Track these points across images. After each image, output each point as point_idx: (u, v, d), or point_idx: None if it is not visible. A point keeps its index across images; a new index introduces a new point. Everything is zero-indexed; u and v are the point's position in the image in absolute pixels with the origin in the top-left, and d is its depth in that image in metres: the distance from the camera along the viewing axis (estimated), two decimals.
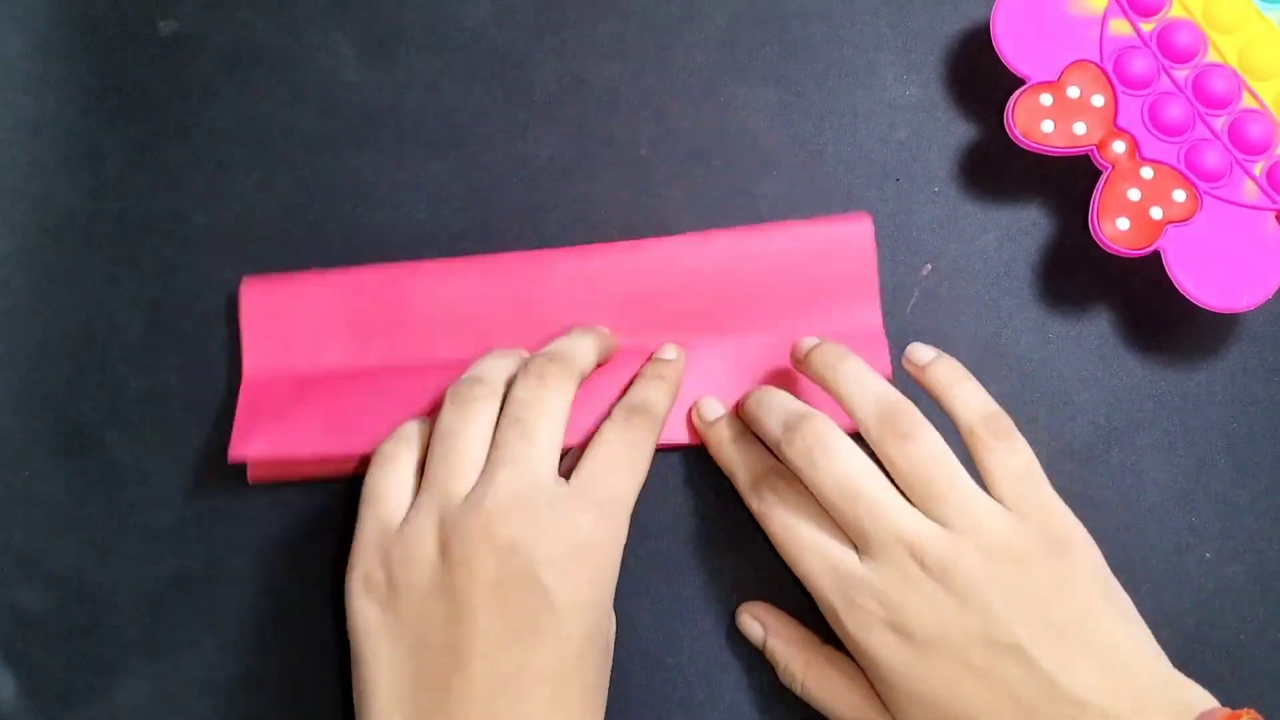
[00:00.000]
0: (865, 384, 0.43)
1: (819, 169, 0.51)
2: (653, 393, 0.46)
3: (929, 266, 0.50)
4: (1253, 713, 0.39)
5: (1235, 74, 0.48)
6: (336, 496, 0.49)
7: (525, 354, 0.46)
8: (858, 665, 0.44)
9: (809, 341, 0.46)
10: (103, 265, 0.50)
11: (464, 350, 0.48)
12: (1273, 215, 0.47)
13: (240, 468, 0.48)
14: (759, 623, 0.46)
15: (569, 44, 0.52)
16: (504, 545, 0.40)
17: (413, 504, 0.43)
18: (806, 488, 0.43)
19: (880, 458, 0.43)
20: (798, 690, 0.45)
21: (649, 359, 0.48)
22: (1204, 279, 0.46)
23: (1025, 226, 0.51)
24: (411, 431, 0.45)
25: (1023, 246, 0.50)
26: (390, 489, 0.43)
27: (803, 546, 0.43)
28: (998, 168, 0.51)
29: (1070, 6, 0.49)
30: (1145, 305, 0.50)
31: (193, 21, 0.52)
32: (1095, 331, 0.50)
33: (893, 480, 0.43)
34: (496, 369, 0.45)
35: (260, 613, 0.48)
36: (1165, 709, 0.40)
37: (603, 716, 0.42)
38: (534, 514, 0.41)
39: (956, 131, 0.51)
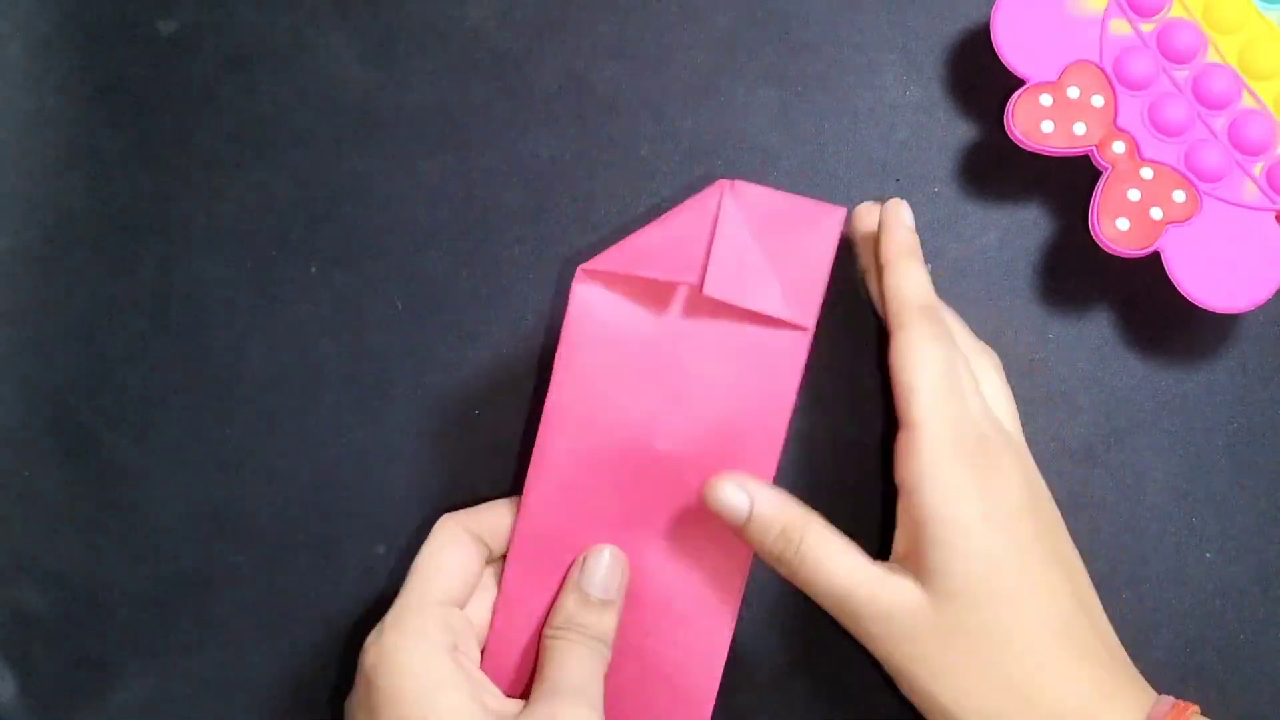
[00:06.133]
0: None
1: (819, 169, 0.51)
2: None
3: (929, 266, 0.50)
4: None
5: (1235, 74, 0.48)
6: (336, 497, 0.49)
7: None
8: (849, 539, 0.42)
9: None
10: (103, 265, 0.50)
11: None
12: (1273, 215, 0.47)
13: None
14: (744, 491, 0.41)
15: (569, 44, 0.52)
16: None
17: None
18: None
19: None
20: (790, 558, 0.41)
21: None
22: (1204, 279, 0.46)
23: (1025, 226, 0.51)
24: None
25: (1023, 246, 0.50)
26: None
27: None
28: (998, 168, 0.51)
29: (1070, 7, 0.49)
30: (1145, 305, 0.50)
31: (193, 21, 0.52)
32: (1095, 331, 0.50)
33: None
34: None
35: (260, 613, 0.48)
36: None
37: None
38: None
39: (956, 131, 0.51)
